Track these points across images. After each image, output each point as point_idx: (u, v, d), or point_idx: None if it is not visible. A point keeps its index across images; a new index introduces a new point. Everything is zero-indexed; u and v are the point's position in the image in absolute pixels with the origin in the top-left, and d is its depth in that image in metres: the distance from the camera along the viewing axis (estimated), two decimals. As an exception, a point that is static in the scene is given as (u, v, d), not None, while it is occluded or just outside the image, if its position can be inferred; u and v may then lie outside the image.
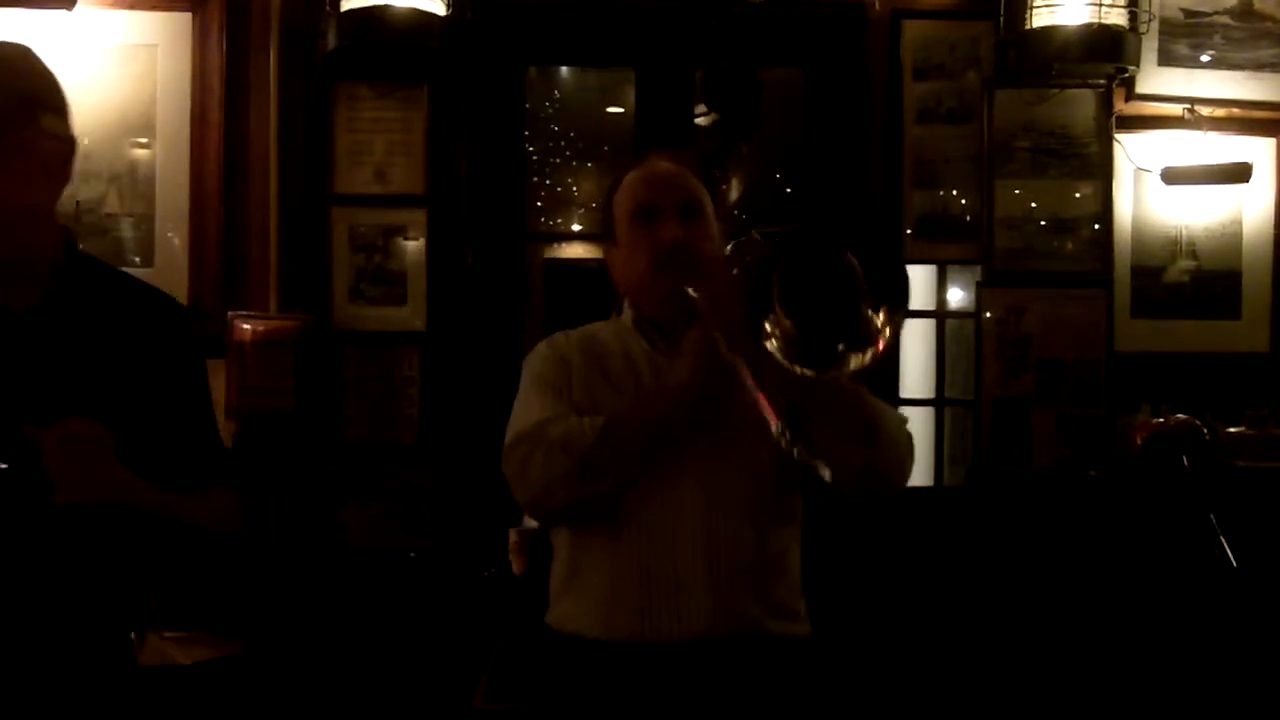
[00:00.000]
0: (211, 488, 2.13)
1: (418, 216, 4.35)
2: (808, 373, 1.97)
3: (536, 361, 2.47)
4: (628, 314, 2.51)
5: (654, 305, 2.44)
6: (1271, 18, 4.59)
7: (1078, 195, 4.53)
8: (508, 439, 2.37)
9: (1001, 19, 4.38)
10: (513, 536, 3.50)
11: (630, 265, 2.44)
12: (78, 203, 4.09)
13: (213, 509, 2.12)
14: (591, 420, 2.27)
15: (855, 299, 2.04)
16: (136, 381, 2.01)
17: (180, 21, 4.25)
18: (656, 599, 2.27)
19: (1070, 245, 4.53)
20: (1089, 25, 4.24)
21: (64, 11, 4.07)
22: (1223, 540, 3.52)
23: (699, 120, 4.04)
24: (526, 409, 2.39)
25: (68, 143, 2.04)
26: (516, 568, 3.49)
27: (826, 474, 2.05)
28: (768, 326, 1.96)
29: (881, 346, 2.03)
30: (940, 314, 4.61)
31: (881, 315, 2.04)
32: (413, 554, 4.28)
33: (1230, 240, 4.61)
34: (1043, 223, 4.52)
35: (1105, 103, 4.52)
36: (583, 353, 2.45)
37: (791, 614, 2.39)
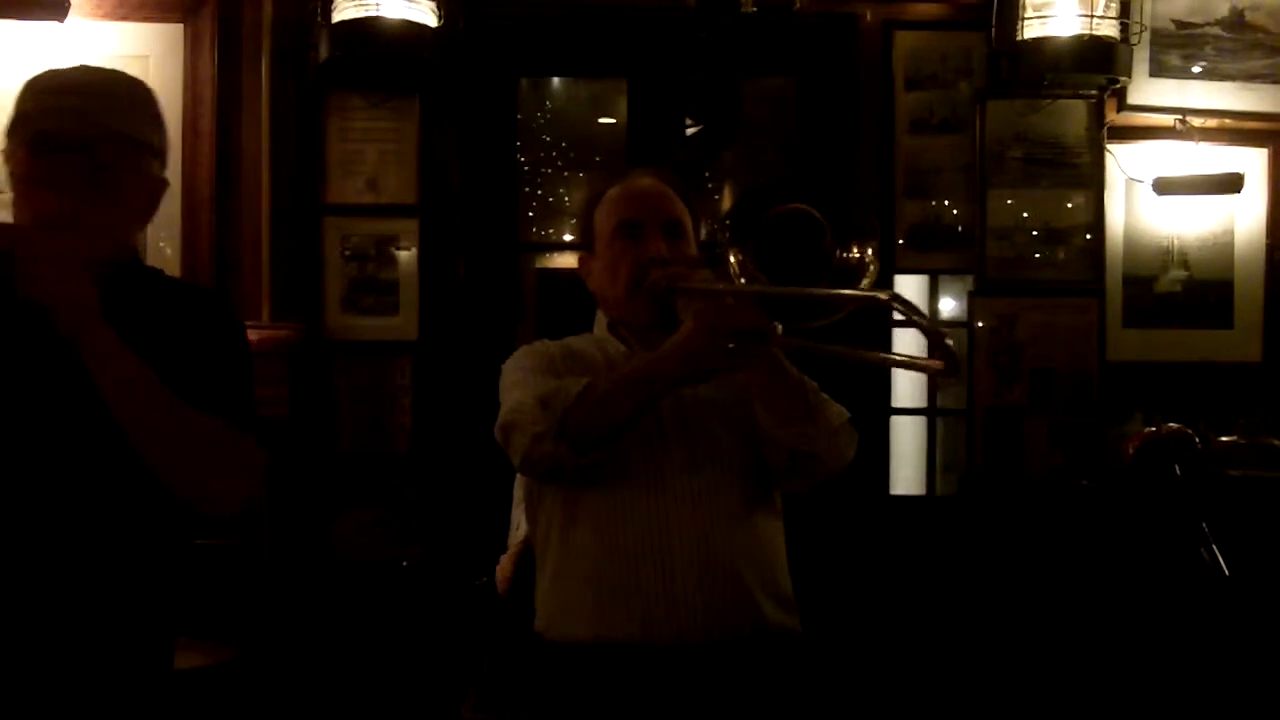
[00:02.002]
0: (234, 427, 2.02)
1: (410, 226, 4.35)
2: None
3: (521, 358, 2.47)
4: (602, 321, 2.54)
5: (632, 317, 2.45)
6: (1263, 29, 4.59)
7: (1070, 205, 4.53)
8: (499, 418, 2.37)
9: (993, 29, 4.40)
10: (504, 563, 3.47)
11: (611, 278, 2.45)
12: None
13: (224, 437, 1.99)
14: (576, 380, 2.28)
15: (819, 242, 2.11)
16: (174, 360, 1.99)
17: (172, 32, 4.26)
18: (652, 600, 2.25)
19: (1062, 255, 4.53)
20: (1080, 36, 4.25)
21: (55, 23, 4.06)
22: (1215, 549, 3.52)
23: (689, 131, 4.05)
24: (521, 390, 2.38)
25: (162, 185, 2.13)
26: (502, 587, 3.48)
27: None
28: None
29: (867, 279, 2.09)
30: (933, 324, 4.61)
31: (856, 250, 2.10)
32: (405, 563, 4.28)
33: (1222, 250, 4.62)
34: (1035, 233, 4.53)
35: (1097, 113, 4.53)
36: (564, 356, 2.46)
37: (787, 602, 2.39)
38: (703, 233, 2.56)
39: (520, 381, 2.38)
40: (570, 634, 2.33)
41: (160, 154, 2.12)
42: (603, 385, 2.25)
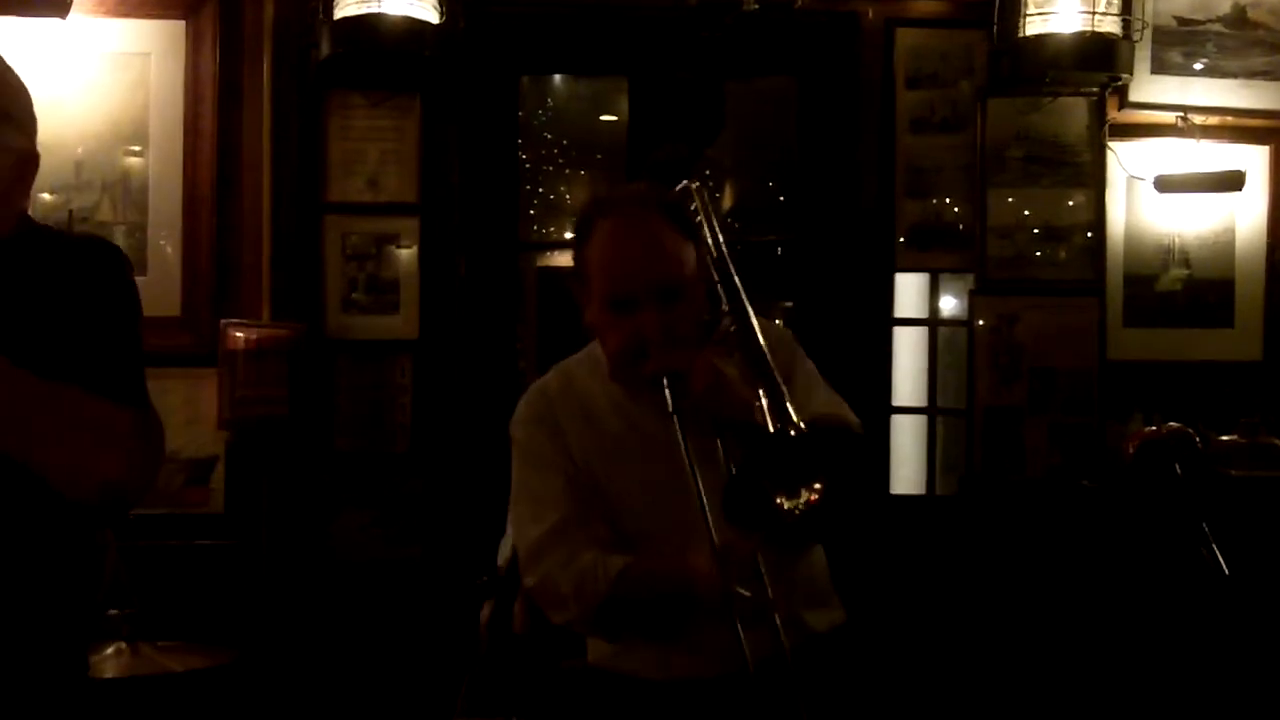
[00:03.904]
0: (95, 396, 1.89)
1: (410, 225, 4.34)
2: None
3: (523, 432, 2.45)
4: (602, 358, 2.45)
5: (627, 384, 2.40)
6: (1265, 26, 4.59)
7: (1070, 204, 4.53)
8: (523, 548, 2.38)
9: (995, 27, 4.39)
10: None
11: (603, 341, 2.40)
12: (70, 211, 4.09)
13: (76, 409, 1.86)
14: (604, 564, 2.27)
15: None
16: (46, 324, 1.91)
17: (173, 30, 4.25)
18: (706, 634, 2.23)
19: (1063, 254, 4.53)
20: (1082, 33, 4.24)
21: (57, 19, 4.06)
22: (1215, 549, 3.51)
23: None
24: (528, 496, 2.39)
25: (29, 155, 2.01)
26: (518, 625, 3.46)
27: None
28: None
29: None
30: (933, 322, 4.61)
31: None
32: (405, 562, 4.27)
33: (1223, 249, 4.62)
34: (1035, 231, 4.52)
35: (1098, 111, 4.52)
36: (566, 409, 2.43)
37: (826, 598, 2.44)
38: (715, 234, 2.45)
39: (531, 486, 2.40)
40: (633, 670, 2.38)
41: (19, 123, 1.98)
42: (631, 588, 2.26)
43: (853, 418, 2.43)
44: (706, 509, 2.10)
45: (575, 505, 2.35)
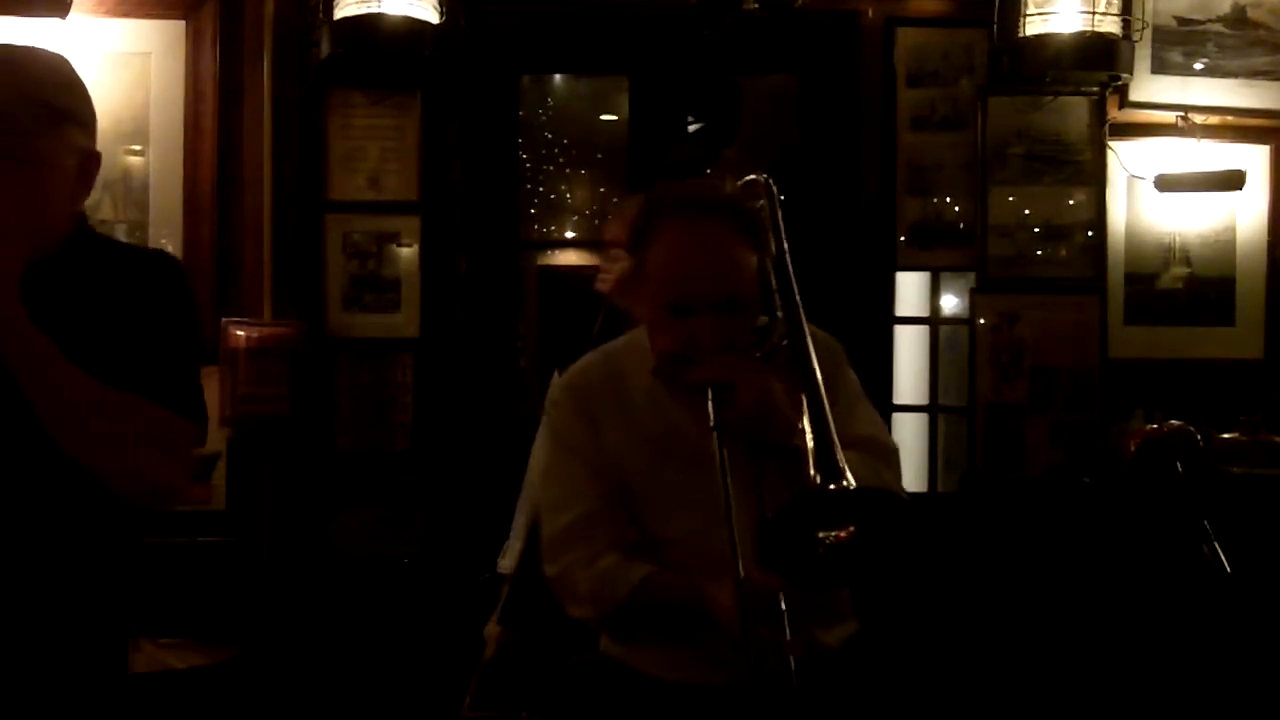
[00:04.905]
0: (159, 406, 1.93)
1: (411, 223, 4.34)
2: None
3: (558, 413, 2.41)
4: (648, 349, 2.37)
5: (670, 380, 2.34)
6: (1265, 25, 4.59)
7: (1071, 202, 4.53)
8: (546, 536, 2.36)
9: (995, 26, 4.39)
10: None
11: (653, 336, 2.34)
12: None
13: (144, 419, 1.91)
14: (625, 570, 2.25)
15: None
16: (109, 332, 1.95)
17: (174, 29, 4.25)
18: (718, 642, 2.20)
19: (1064, 252, 4.53)
20: (1083, 33, 4.25)
21: (58, 19, 4.06)
22: (1216, 546, 3.52)
23: (691, 128, 4.04)
24: (557, 481, 2.37)
25: (94, 156, 2.05)
26: None
27: None
28: None
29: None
30: (934, 321, 4.62)
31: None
32: (405, 560, 4.28)
33: (1224, 247, 4.62)
34: (1036, 230, 4.53)
35: (1099, 110, 4.52)
36: (605, 397, 2.38)
37: (838, 613, 2.40)
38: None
39: (560, 474, 2.37)
40: (641, 667, 2.36)
41: (84, 123, 2.03)
42: (649, 600, 2.24)
43: (891, 443, 2.42)
44: (735, 537, 2.06)
45: (602, 498, 2.32)
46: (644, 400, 2.36)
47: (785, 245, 2.37)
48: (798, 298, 2.31)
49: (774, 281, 2.33)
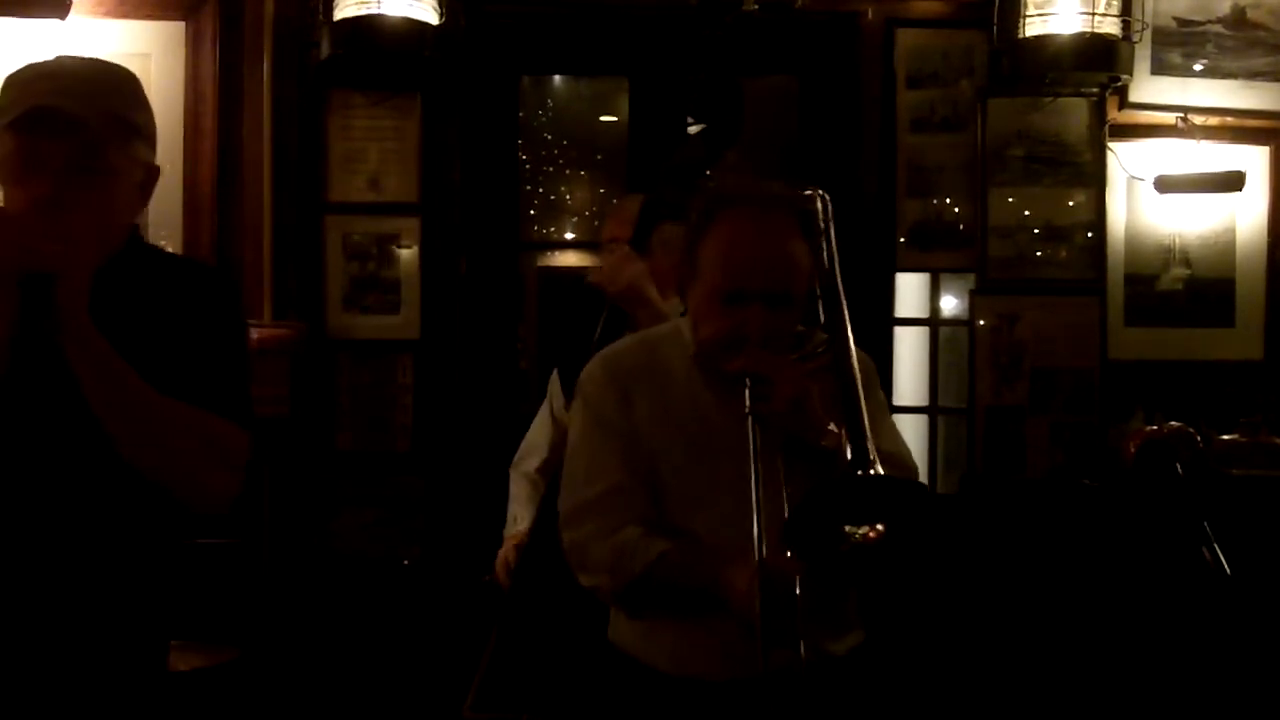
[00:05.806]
0: (218, 417, 2.01)
1: (411, 225, 4.35)
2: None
3: (594, 389, 2.42)
4: (689, 337, 2.40)
5: (708, 366, 2.35)
6: (1264, 26, 4.59)
7: (1071, 203, 4.53)
8: (569, 505, 2.37)
9: (995, 28, 4.40)
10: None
11: (699, 322, 2.35)
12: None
13: (205, 430, 1.98)
14: (644, 544, 2.26)
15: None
16: (166, 343, 2.00)
17: (174, 30, 4.26)
18: (724, 636, 2.22)
19: (1064, 253, 4.53)
20: (1082, 34, 4.25)
21: (57, 20, 4.06)
22: (1216, 548, 3.52)
23: (690, 129, 4.04)
24: (586, 453, 2.37)
25: (154, 169, 2.13)
26: None
27: None
28: None
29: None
30: (934, 322, 4.62)
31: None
32: (406, 561, 4.28)
33: (1224, 248, 4.62)
34: (1036, 231, 4.53)
35: (1098, 111, 4.53)
36: (641, 379, 2.39)
37: (844, 623, 2.40)
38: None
39: (592, 448, 2.37)
40: (647, 659, 2.35)
41: (149, 138, 2.12)
42: (666, 574, 2.24)
43: (913, 463, 2.44)
44: (758, 524, 2.08)
45: (628, 476, 2.32)
46: (679, 387, 2.38)
47: (836, 258, 2.37)
48: (844, 305, 2.33)
49: (820, 291, 2.34)
